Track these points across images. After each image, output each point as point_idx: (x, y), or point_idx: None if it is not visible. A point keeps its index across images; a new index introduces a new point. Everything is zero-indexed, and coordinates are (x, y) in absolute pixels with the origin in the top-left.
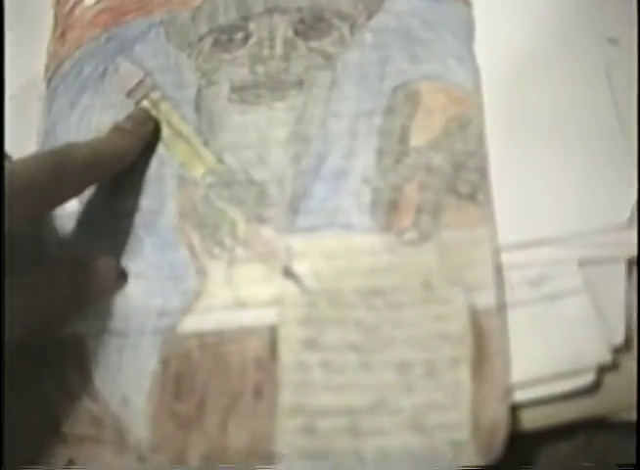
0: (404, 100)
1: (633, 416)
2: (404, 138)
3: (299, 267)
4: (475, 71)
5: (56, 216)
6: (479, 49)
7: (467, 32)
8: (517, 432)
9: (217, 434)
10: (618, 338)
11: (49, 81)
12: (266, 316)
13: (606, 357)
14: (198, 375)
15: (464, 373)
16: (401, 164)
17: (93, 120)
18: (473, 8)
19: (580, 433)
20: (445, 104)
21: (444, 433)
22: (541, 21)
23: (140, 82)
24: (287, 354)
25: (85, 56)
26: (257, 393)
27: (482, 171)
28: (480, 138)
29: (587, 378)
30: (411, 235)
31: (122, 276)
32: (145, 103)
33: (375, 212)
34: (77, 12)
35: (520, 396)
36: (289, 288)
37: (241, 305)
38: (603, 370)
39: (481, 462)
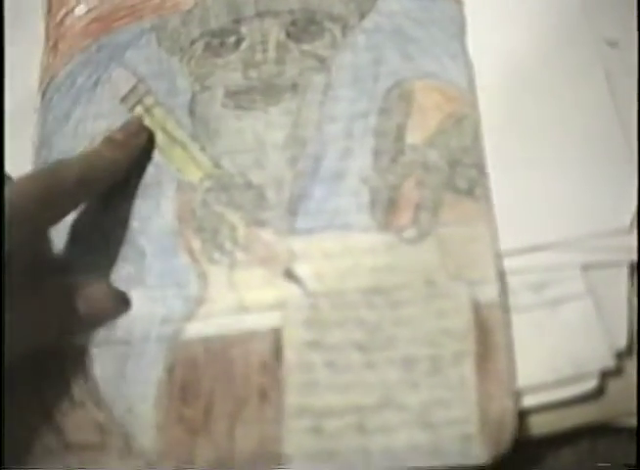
0: (399, 99)
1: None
2: (400, 136)
3: (301, 269)
4: (468, 69)
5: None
6: (477, 51)
7: (459, 30)
8: (520, 438)
9: (225, 439)
10: (621, 343)
11: (43, 93)
12: (270, 319)
13: (609, 362)
14: (203, 381)
15: (468, 368)
16: (398, 162)
17: (88, 129)
18: (464, 6)
19: (584, 438)
20: (440, 102)
21: (452, 428)
22: (540, 22)
23: (133, 88)
24: (291, 356)
25: (78, 66)
26: (263, 396)
27: (479, 167)
28: (476, 134)
29: (590, 383)
30: (411, 233)
31: (123, 302)
32: (138, 109)
33: (374, 211)
34: (68, 22)
35: (523, 401)
36: (291, 290)
37: (244, 309)
38: (606, 375)
39: (490, 456)
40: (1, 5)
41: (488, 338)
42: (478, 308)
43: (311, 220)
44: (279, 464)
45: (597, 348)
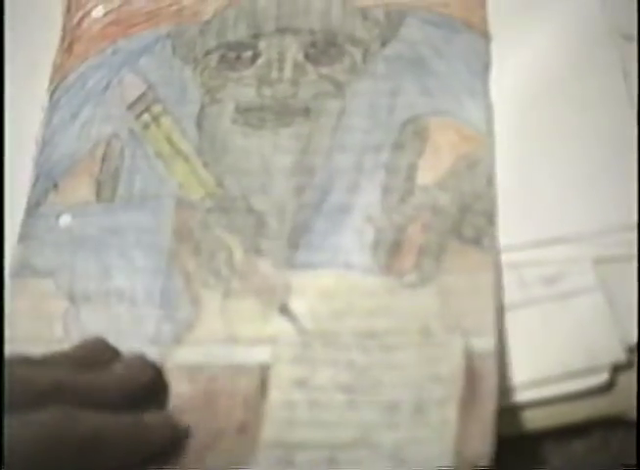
0: (413, 136)
1: None
2: (411, 176)
3: (296, 305)
4: (487, 109)
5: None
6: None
7: (482, 67)
8: (531, 430)
9: (192, 465)
10: (633, 336)
11: (52, 93)
12: (259, 354)
13: (620, 356)
14: (185, 413)
15: (452, 411)
16: (406, 202)
17: (92, 132)
18: (490, 42)
19: (596, 431)
20: (455, 141)
21: (426, 464)
22: (561, 21)
23: (142, 95)
24: (276, 393)
25: (90, 69)
26: (241, 430)
27: (489, 215)
28: (489, 180)
29: (601, 377)
30: (412, 278)
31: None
32: (146, 116)
33: (376, 252)
34: (85, 24)
35: (533, 394)
36: (284, 326)
37: (234, 340)
38: (617, 369)
39: None
40: (1, 5)
41: (477, 385)
42: (470, 358)
43: (311, 255)
44: None
45: (608, 341)
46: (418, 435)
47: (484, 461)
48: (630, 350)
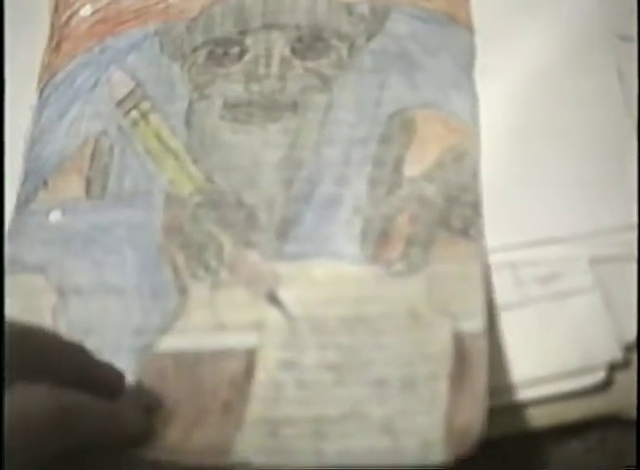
0: (400, 128)
1: None
2: (398, 168)
3: (285, 294)
4: (473, 101)
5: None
6: (493, 49)
7: (467, 60)
8: (528, 430)
9: (179, 444)
10: (630, 336)
11: (41, 91)
12: (246, 340)
13: (617, 355)
14: (169, 392)
15: (442, 386)
16: (394, 194)
17: (81, 130)
18: (474, 35)
19: (593, 430)
20: (441, 133)
21: (414, 435)
22: (557, 19)
23: (130, 92)
24: (262, 374)
25: (79, 67)
26: (227, 408)
27: (475, 206)
28: (475, 172)
29: (598, 376)
30: (400, 267)
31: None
32: (134, 113)
33: (364, 242)
34: (73, 23)
35: (530, 393)
36: (271, 314)
37: (221, 327)
38: (614, 368)
39: (449, 459)
40: (1, 5)
41: (467, 362)
42: (460, 338)
43: (300, 246)
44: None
45: (605, 340)
46: (408, 408)
47: (476, 432)
48: (627, 348)
